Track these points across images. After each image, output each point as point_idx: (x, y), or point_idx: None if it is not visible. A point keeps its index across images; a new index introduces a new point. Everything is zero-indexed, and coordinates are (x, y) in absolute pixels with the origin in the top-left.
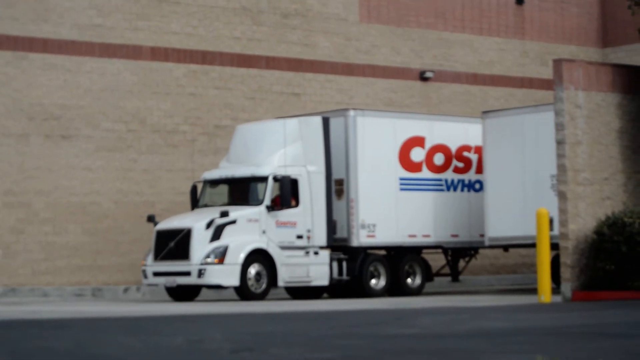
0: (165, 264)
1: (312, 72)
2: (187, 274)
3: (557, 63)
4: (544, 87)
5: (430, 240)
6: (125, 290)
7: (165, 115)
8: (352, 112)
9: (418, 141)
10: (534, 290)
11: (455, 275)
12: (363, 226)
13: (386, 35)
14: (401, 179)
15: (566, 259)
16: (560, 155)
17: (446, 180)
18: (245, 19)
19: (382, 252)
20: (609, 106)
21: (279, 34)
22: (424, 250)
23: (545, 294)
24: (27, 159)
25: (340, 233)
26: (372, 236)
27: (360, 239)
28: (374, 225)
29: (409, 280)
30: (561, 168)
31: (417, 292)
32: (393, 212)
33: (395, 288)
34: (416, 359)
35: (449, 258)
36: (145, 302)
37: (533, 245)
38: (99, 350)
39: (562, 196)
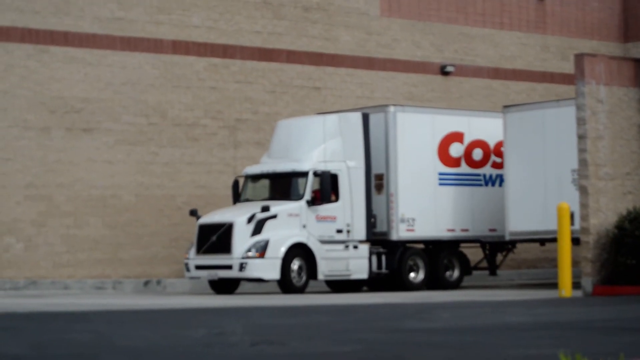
0: (208, 258)
1: (332, 66)
2: (229, 267)
3: (579, 58)
4: (565, 81)
5: (469, 234)
6: (146, 283)
7: (186, 109)
8: (392, 108)
9: (457, 137)
10: (554, 285)
11: (492, 269)
12: (402, 220)
13: (407, 30)
14: (440, 174)
15: (587, 254)
16: (581, 150)
17: (484, 175)
18: (266, 13)
19: (421, 246)
20: (630, 101)
21: (299, 28)
22: (462, 244)
23: (565, 288)
24: (48, 152)
25: (380, 227)
26: (412, 230)
27: (400, 233)
28: (413, 220)
29: (447, 273)
30: (582, 163)
31: (456, 285)
32: (432, 207)
33: (434, 281)
34: (435, 353)
35: (487, 252)
36: (167, 295)
37: (554, 240)
38: (119, 342)
39: (583, 191)
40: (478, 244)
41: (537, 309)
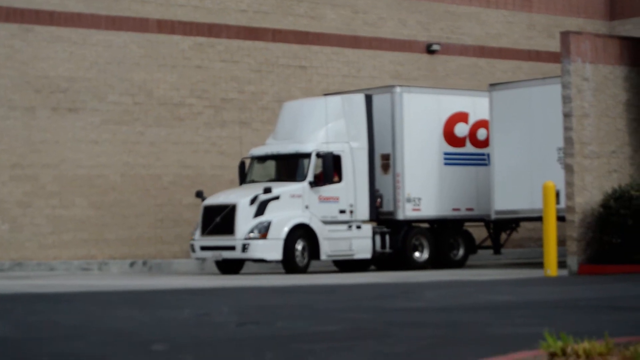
0: (212, 239)
1: (318, 45)
2: (232, 248)
3: (565, 35)
4: (551, 59)
5: (474, 213)
6: (132, 264)
7: (171, 88)
8: (398, 89)
9: (462, 117)
10: (540, 264)
11: (497, 247)
12: (409, 200)
13: (393, 8)
14: (445, 153)
15: (572, 232)
16: (567, 128)
17: (489, 155)
18: None
19: (426, 226)
20: (616, 79)
21: (285, 6)
22: (467, 224)
23: (551, 267)
24: (34, 132)
25: (387, 207)
26: (418, 210)
27: (406, 212)
28: (419, 199)
29: (453, 252)
30: (568, 141)
31: (461, 264)
32: (438, 186)
33: (439, 260)
34: (421, 332)
35: (491, 231)
36: (152, 275)
37: (540, 219)
38: (106, 323)
39: (568, 169)
40: (482, 223)
41: (522, 288)
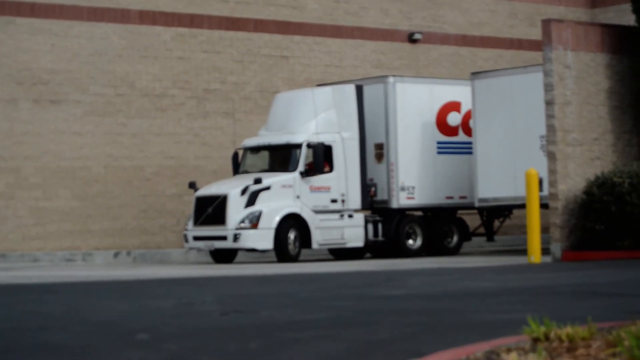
0: (204, 229)
1: (300, 35)
2: (224, 238)
3: (546, 23)
4: (533, 48)
5: (467, 201)
6: (116, 254)
7: (153, 79)
8: (391, 79)
9: (454, 106)
10: (524, 252)
11: (490, 234)
12: (403, 188)
13: None
14: (438, 142)
15: (555, 219)
16: (549, 116)
17: None
18: None
19: (420, 214)
20: (598, 66)
21: None
22: (460, 211)
23: (535, 254)
24: (16, 124)
25: (381, 195)
26: (412, 198)
27: (400, 201)
28: (413, 188)
29: (447, 240)
30: (550, 129)
31: (455, 251)
32: (431, 175)
33: (433, 247)
34: (405, 319)
35: (484, 218)
36: (136, 266)
37: (523, 206)
38: (89, 313)
39: (551, 157)
40: (476, 211)
41: (506, 275)
